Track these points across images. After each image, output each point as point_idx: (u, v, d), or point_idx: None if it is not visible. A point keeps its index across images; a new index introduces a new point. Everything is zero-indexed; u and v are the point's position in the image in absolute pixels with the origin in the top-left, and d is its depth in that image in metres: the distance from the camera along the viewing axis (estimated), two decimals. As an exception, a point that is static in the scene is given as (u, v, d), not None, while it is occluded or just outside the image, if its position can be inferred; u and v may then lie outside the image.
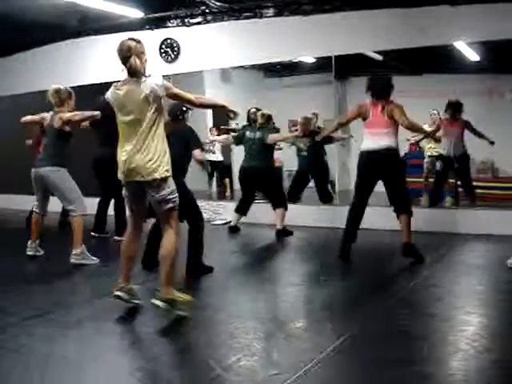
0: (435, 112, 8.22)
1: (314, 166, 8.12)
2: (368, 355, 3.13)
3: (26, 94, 9.34)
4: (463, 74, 8.97)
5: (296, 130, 7.73)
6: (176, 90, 3.89)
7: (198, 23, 8.25)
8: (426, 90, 9.23)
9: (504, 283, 4.58)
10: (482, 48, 7.52)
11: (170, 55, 8.54)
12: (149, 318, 3.87)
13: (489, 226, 6.43)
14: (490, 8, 6.16)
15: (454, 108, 7.40)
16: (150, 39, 8.52)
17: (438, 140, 7.76)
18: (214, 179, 10.85)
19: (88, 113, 5.78)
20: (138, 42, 3.82)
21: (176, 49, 8.49)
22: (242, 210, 7.23)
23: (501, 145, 8.40)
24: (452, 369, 2.95)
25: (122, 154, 3.77)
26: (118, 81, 3.84)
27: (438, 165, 7.76)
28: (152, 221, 4.94)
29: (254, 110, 7.73)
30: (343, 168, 9.86)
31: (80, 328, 3.73)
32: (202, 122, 9.63)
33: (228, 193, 10.50)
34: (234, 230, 7.30)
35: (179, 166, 4.81)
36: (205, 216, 8.13)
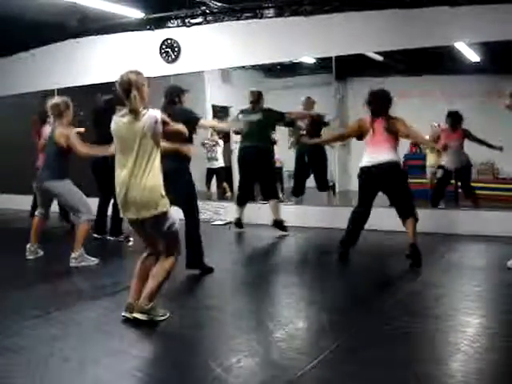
0: (436, 124, 8.23)
1: (312, 153, 8.08)
2: (368, 356, 3.13)
3: (27, 94, 9.36)
4: (463, 74, 8.98)
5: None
6: (172, 128, 3.83)
7: (199, 23, 8.26)
8: (425, 91, 9.24)
9: (504, 284, 4.58)
10: (482, 49, 7.52)
11: (170, 55, 8.54)
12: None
13: (489, 227, 6.42)
14: (490, 9, 6.16)
15: (454, 118, 7.42)
16: (151, 39, 8.56)
17: (438, 151, 7.75)
18: (213, 182, 10.85)
19: (92, 150, 5.73)
20: (138, 73, 3.73)
21: (176, 49, 8.49)
22: (242, 200, 7.15)
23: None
24: (452, 369, 2.95)
25: (117, 185, 3.72)
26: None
27: (439, 173, 7.74)
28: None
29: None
30: (343, 168, 9.86)
31: (80, 328, 3.74)
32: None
33: (228, 193, 10.50)
34: (238, 224, 7.20)
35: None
36: (205, 216, 8.25)
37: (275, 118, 7.13)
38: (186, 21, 8.33)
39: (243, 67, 9.22)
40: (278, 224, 7.02)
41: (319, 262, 5.87)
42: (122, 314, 3.79)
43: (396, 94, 5.45)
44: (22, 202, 9.29)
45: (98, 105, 6.96)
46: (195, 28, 8.30)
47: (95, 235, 6.85)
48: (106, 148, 4.83)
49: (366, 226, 5.51)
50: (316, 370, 2.94)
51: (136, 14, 8.41)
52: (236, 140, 7.61)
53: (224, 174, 10.65)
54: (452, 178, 7.57)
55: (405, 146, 8.19)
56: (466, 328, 3.58)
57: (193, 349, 3.35)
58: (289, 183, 11.01)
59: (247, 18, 7.83)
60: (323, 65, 8.69)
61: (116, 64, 8.05)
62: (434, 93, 9.13)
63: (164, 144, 3.87)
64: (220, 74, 10.25)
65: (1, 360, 3.22)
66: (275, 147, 9.47)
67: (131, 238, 6.51)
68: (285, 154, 9.44)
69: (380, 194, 5.48)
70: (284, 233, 7.01)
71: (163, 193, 3.71)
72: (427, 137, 7.53)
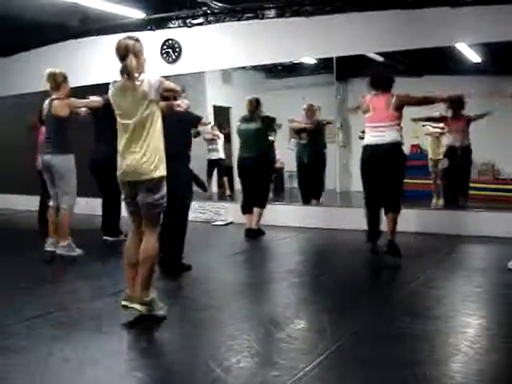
0: (438, 114, 8.22)
1: (312, 155, 8.09)
2: (368, 356, 3.13)
3: (27, 95, 9.35)
4: (464, 75, 8.97)
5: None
6: (167, 84, 3.89)
7: (200, 24, 8.26)
8: (426, 92, 9.22)
9: (504, 285, 4.58)
10: (483, 50, 7.52)
11: (171, 56, 8.55)
12: (148, 319, 3.86)
13: (489, 227, 6.42)
14: (491, 10, 6.16)
15: (457, 104, 7.38)
16: (152, 40, 8.54)
17: (438, 137, 7.75)
18: (214, 182, 10.88)
19: (91, 100, 5.87)
20: (137, 40, 3.75)
21: (177, 49, 8.49)
22: (247, 207, 7.11)
23: (502, 147, 8.41)
24: (452, 370, 2.95)
25: (119, 154, 3.76)
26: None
27: (445, 163, 7.68)
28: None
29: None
30: (344, 169, 9.86)
31: (80, 329, 3.73)
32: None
33: (228, 192, 10.51)
34: (249, 235, 7.00)
35: (179, 150, 4.90)
36: (205, 216, 8.25)
37: (272, 125, 7.18)
38: (187, 21, 8.33)
39: (244, 68, 9.23)
40: (255, 232, 6.98)
41: (319, 263, 5.86)
42: (122, 302, 3.77)
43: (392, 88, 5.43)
44: (22, 202, 9.33)
45: (104, 103, 6.96)
46: (196, 28, 8.30)
47: (106, 238, 6.74)
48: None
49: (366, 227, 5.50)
50: (316, 370, 2.94)
51: (137, 14, 8.42)
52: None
53: (224, 166, 10.68)
54: (456, 162, 7.47)
55: (406, 146, 8.19)
56: (467, 329, 3.58)
57: (193, 349, 3.35)
58: (289, 184, 11.03)
59: (248, 18, 7.83)
60: (324, 65, 8.71)
61: (117, 64, 8.02)
62: (435, 93, 9.11)
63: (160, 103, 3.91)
64: (221, 74, 10.26)
65: (0, 360, 3.22)
66: (276, 147, 9.53)
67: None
68: (285, 155, 9.43)
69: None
70: (261, 235, 7.02)
71: (163, 157, 3.73)
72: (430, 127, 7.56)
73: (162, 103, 4.04)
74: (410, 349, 3.24)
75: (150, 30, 8.62)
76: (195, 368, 3.05)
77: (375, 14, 6.90)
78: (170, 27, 8.52)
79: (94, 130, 6.54)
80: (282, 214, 7.74)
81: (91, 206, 8.03)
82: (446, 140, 7.61)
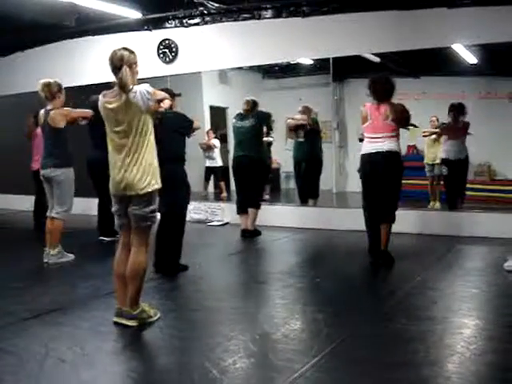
0: (434, 119, 8.24)
1: (308, 154, 8.10)
2: (364, 358, 3.13)
3: (24, 94, 9.34)
4: (461, 76, 8.99)
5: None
6: (159, 95, 3.82)
7: (197, 24, 8.25)
8: (423, 93, 9.25)
9: (500, 286, 4.59)
10: (479, 50, 7.53)
11: (167, 56, 8.54)
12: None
13: (485, 228, 6.43)
14: (488, 10, 6.17)
15: (457, 110, 7.36)
16: (148, 40, 8.55)
17: (436, 140, 7.75)
18: (211, 183, 10.90)
19: (85, 111, 5.84)
20: (131, 52, 3.66)
21: (174, 49, 8.49)
22: (242, 208, 7.10)
23: (498, 148, 8.44)
24: (448, 371, 2.95)
25: (111, 167, 3.70)
26: (109, 85, 3.72)
27: (444, 170, 7.66)
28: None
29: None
30: (340, 170, 9.87)
31: (76, 329, 3.72)
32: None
33: (224, 194, 10.52)
34: (244, 235, 7.03)
35: (176, 155, 4.99)
36: (201, 217, 8.25)
37: (268, 121, 7.19)
38: (184, 21, 8.33)
39: (241, 68, 9.24)
40: (251, 233, 6.99)
41: (315, 264, 5.86)
42: (113, 319, 3.77)
43: (394, 96, 5.42)
44: (21, 202, 9.31)
45: (93, 105, 6.94)
46: (193, 29, 8.30)
47: (102, 238, 6.76)
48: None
49: (364, 228, 5.49)
50: (312, 371, 2.94)
51: (134, 14, 8.40)
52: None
53: (221, 172, 10.70)
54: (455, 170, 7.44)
55: (403, 148, 8.21)
56: (463, 330, 3.58)
57: (188, 350, 3.35)
58: (286, 184, 11.05)
59: (245, 18, 7.83)
60: (321, 66, 8.72)
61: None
62: (432, 94, 9.14)
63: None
64: (217, 74, 10.26)
65: (-4, 361, 3.21)
66: (272, 149, 9.55)
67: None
68: (282, 155, 9.45)
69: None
70: (258, 236, 7.02)
71: (156, 170, 3.69)
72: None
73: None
74: (405, 350, 3.24)
75: (146, 29, 8.62)
76: (191, 369, 3.04)
77: (372, 14, 6.91)
78: (166, 27, 8.52)
79: (90, 134, 6.51)
80: (278, 215, 7.74)
81: (87, 207, 8.01)
82: (444, 153, 7.55)
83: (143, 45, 8.58)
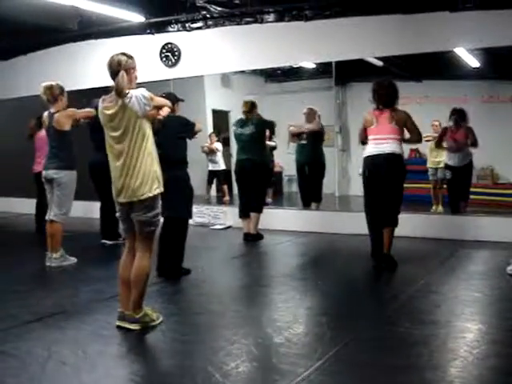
0: (436, 123, 8.23)
1: (311, 158, 8.09)
2: (367, 361, 3.12)
3: (26, 98, 9.35)
4: (463, 80, 9.00)
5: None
6: (158, 101, 3.83)
7: (199, 28, 8.27)
8: (426, 96, 9.26)
9: (503, 290, 4.58)
10: (482, 54, 7.54)
11: (170, 60, 8.55)
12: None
13: (488, 232, 6.42)
14: (491, 14, 6.17)
15: (459, 115, 7.35)
16: (151, 43, 8.56)
17: (439, 146, 7.73)
18: (214, 186, 10.91)
19: (89, 110, 5.89)
20: (130, 57, 3.65)
21: (177, 53, 8.50)
22: (244, 212, 7.09)
23: (500, 151, 8.42)
24: (451, 376, 2.94)
25: (112, 174, 3.71)
26: (108, 89, 3.71)
27: (448, 174, 7.65)
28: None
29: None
30: (343, 173, 9.87)
31: (78, 333, 3.72)
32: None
33: (227, 197, 10.52)
34: (246, 238, 7.03)
35: (178, 159, 4.98)
36: (204, 220, 8.25)
37: (272, 128, 7.20)
38: (187, 25, 8.34)
39: (243, 72, 9.25)
40: (254, 237, 6.99)
41: (318, 267, 5.85)
42: (116, 323, 3.77)
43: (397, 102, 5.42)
44: (21, 206, 9.31)
45: (94, 107, 6.95)
46: (195, 32, 8.31)
47: (104, 241, 6.76)
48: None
49: (367, 232, 5.48)
50: (316, 374, 2.93)
51: (137, 18, 8.42)
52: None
53: (223, 176, 10.71)
54: (459, 174, 7.45)
55: (405, 150, 8.21)
56: (466, 334, 3.58)
57: (191, 353, 3.34)
58: (288, 188, 11.06)
59: (247, 22, 7.84)
60: (323, 69, 8.73)
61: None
62: (435, 98, 9.15)
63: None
64: (220, 78, 10.28)
65: (-1, 364, 3.21)
66: (275, 152, 9.55)
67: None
68: (284, 159, 9.44)
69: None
70: (260, 240, 7.02)
71: (159, 175, 3.68)
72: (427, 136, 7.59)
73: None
74: (409, 353, 3.23)
75: (149, 33, 8.64)
76: (194, 372, 3.03)
77: (374, 18, 6.91)
78: (169, 31, 8.53)
79: (91, 137, 6.52)
80: (280, 218, 7.74)
81: (89, 210, 8.01)
82: (448, 159, 7.54)
83: (146, 48, 8.61)
